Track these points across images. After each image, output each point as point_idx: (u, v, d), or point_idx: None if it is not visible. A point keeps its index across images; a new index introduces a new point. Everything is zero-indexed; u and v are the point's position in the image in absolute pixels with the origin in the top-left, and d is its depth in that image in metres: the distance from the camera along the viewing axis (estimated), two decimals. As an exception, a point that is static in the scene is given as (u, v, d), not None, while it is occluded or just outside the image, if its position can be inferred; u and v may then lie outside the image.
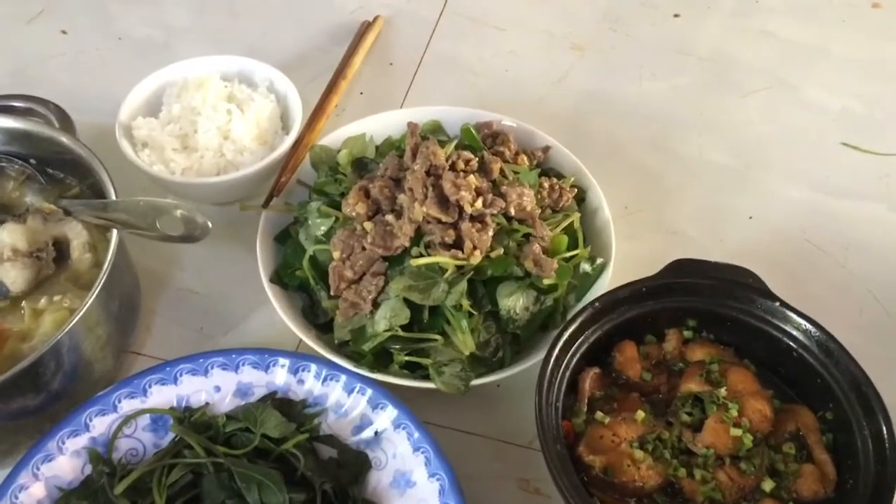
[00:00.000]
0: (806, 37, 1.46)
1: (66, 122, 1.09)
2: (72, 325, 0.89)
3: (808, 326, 0.92)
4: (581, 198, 1.12)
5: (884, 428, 0.85)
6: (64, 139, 1.04)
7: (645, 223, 1.20)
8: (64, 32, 1.47)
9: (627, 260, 1.08)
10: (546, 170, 1.15)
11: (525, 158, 1.12)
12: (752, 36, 1.47)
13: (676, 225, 1.21)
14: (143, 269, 1.11)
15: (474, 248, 0.97)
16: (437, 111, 1.20)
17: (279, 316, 1.01)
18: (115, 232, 0.95)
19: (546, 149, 1.17)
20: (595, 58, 1.44)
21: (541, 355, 0.94)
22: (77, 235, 1.02)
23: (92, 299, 0.91)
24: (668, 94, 1.38)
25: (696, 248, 1.15)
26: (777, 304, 0.94)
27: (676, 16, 1.50)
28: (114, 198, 0.97)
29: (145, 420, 0.94)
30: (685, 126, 1.33)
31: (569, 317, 0.94)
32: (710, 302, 0.97)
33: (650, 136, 1.32)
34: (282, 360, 0.97)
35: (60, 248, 1.02)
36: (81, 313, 0.90)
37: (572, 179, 1.12)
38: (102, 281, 0.92)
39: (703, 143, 1.30)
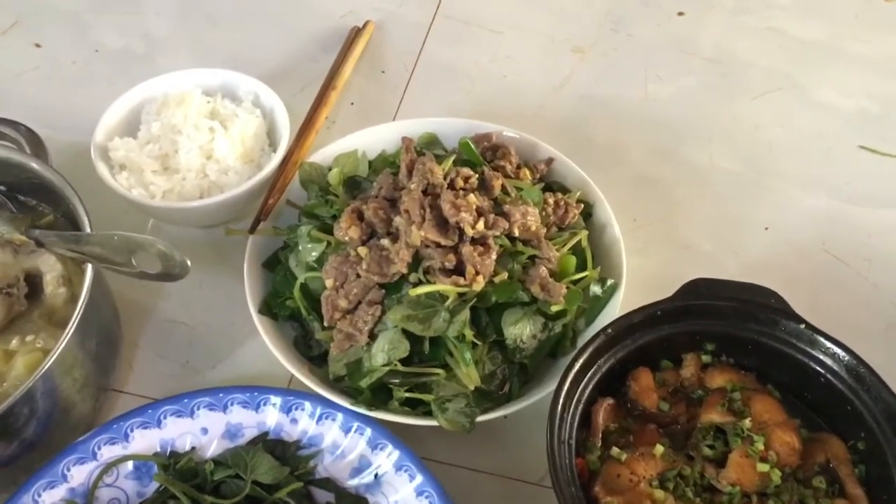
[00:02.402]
0: (816, 34, 1.39)
1: (37, 146, 1.03)
2: (46, 368, 0.83)
3: (837, 350, 0.87)
4: (588, 213, 1.06)
5: (922, 460, 0.80)
6: (34, 165, 0.98)
7: (655, 237, 1.15)
8: (38, 45, 1.40)
9: (637, 277, 1.02)
10: (549, 183, 1.09)
11: (527, 172, 1.06)
12: (760, 34, 1.40)
13: (688, 238, 1.15)
14: (123, 299, 1.05)
15: (477, 273, 0.91)
16: (433, 123, 1.13)
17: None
18: (90, 265, 0.89)
19: (549, 161, 1.10)
20: (597, 61, 1.38)
21: (550, 386, 0.91)
22: (50, 269, 0.95)
23: (67, 339, 0.85)
24: (674, 97, 1.32)
25: (710, 263, 1.11)
26: (802, 326, 0.89)
27: (680, 14, 1.44)
28: (88, 229, 0.91)
29: (127, 467, 0.89)
30: (694, 131, 1.27)
31: (579, 345, 0.89)
32: (729, 324, 0.91)
33: (657, 142, 1.26)
34: (273, 399, 0.92)
35: (33, 283, 0.95)
36: (56, 355, 0.84)
37: (578, 193, 1.06)
38: (77, 319, 0.86)
39: (713, 150, 1.25)
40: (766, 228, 1.16)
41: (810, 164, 1.23)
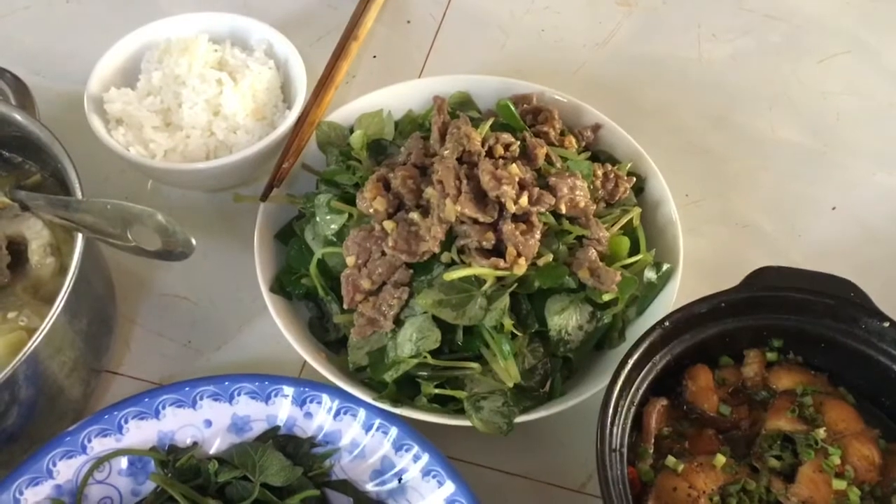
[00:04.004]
0: (888, -9, 1.29)
1: (23, 96, 0.95)
2: (31, 350, 0.76)
3: (927, 353, 0.78)
4: (639, 187, 0.96)
5: None
6: (19, 117, 0.89)
7: (710, 215, 1.06)
8: (30, -17, 1.29)
9: (689, 260, 0.93)
10: (596, 152, 0.99)
11: (573, 140, 0.95)
12: (826, -11, 1.30)
13: (747, 217, 1.07)
14: (119, 270, 0.97)
15: (518, 254, 0.82)
16: (466, 81, 1.04)
17: (282, 328, 0.87)
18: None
19: (596, 127, 1.00)
20: (645, 15, 1.28)
21: (595, 382, 0.84)
22: (36, 235, 0.87)
23: (55, 317, 0.77)
24: (731, 58, 1.22)
25: (770, 246, 1.04)
26: (886, 324, 0.80)
27: (737, -35, 1.32)
28: (79, 192, 0.82)
29: (121, 463, 0.81)
30: (752, 97, 1.18)
31: (630, 337, 0.82)
32: (802, 320, 0.83)
33: (712, 109, 1.17)
34: (286, 389, 0.84)
35: (17, 251, 0.87)
36: (42, 335, 0.76)
37: (629, 165, 0.95)
38: (66, 294, 0.78)
39: (774, 119, 1.16)
40: (834, 208, 1.08)
41: (882, 136, 1.14)
